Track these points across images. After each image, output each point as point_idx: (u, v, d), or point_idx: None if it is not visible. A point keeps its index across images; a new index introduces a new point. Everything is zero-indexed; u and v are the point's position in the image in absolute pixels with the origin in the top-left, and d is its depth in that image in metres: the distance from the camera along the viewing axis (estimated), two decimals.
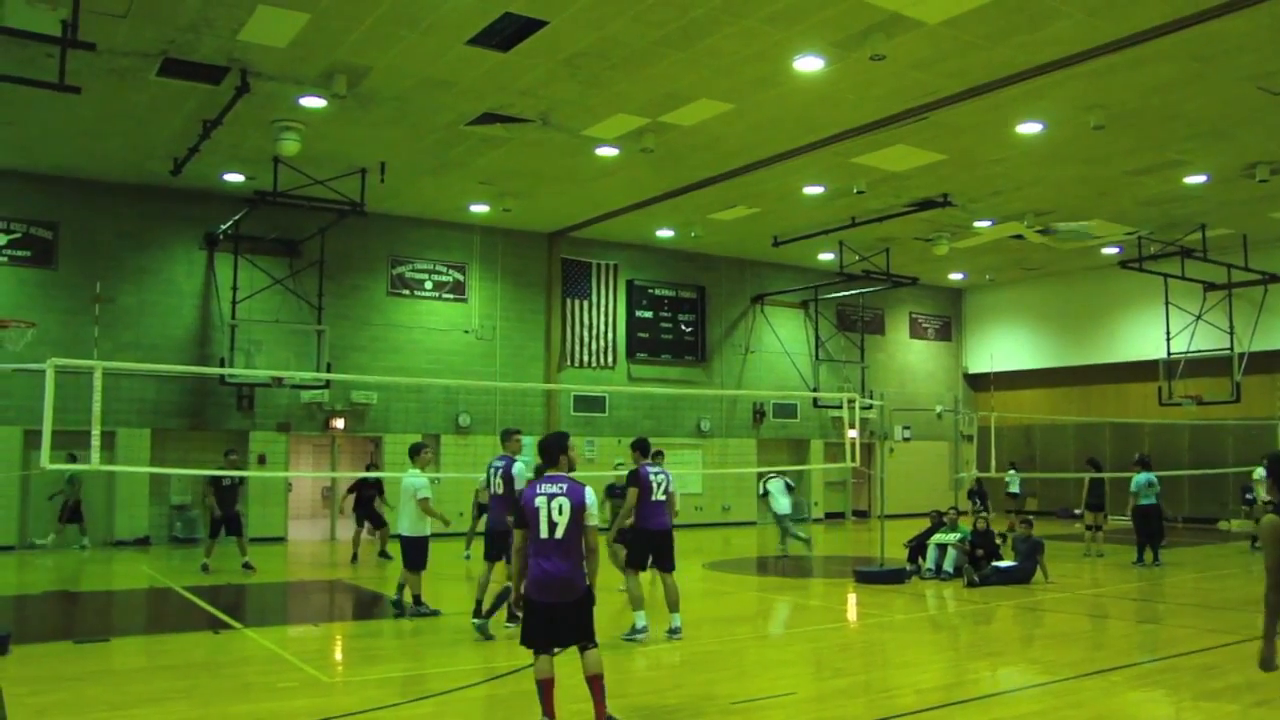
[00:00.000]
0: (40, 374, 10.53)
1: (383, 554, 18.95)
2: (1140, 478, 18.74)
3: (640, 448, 11.52)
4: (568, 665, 7.25)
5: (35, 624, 12.08)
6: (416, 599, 12.45)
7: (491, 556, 11.36)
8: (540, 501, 7.08)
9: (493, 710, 8.03)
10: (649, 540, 11.23)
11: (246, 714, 7.68)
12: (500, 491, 11.22)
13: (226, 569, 16.79)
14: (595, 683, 7.07)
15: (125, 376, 20.32)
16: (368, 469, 21.39)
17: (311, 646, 10.90)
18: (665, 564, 11.23)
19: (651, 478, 11.24)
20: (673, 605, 11.08)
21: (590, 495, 7.17)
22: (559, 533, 7.02)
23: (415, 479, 12.43)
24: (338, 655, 10.52)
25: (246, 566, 16.74)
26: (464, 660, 9.96)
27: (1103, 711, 7.99)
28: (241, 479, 17.70)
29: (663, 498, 11.33)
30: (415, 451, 12.76)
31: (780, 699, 8.51)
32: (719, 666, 10.00)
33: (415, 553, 12.37)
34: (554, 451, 7.40)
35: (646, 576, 11.62)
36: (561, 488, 7.13)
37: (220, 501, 16.93)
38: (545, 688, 6.97)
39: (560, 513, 7.04)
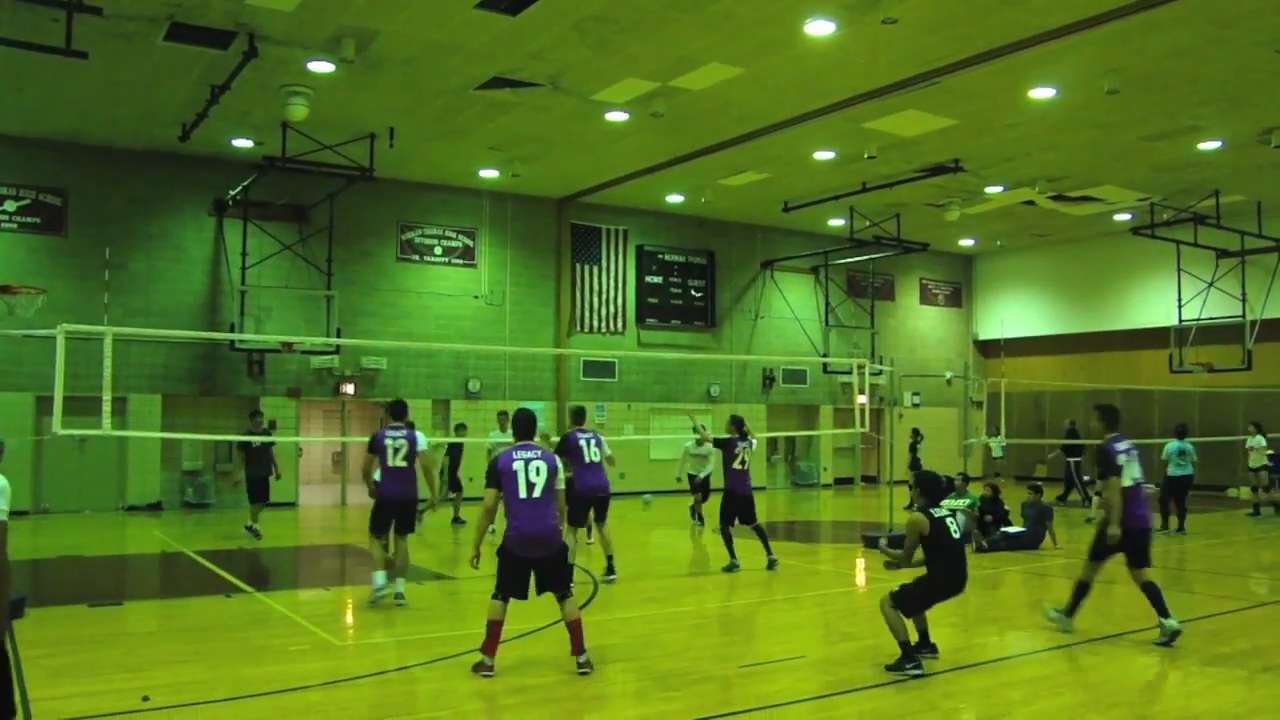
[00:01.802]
0: (51, 340, 10.57)
1: (456, 520, 19.08)
2: (1171, 446, 18.46)
3: (575, 416, 12.86)
4: (559, 648, 7.26)
5: (50, 588, 12.19)
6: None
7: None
8: (518, 465, 7.86)
9: (503, 674, 8.09)
10: (588, 499, 12.40)
11: (259, 676, 7.75)
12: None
13: (239, 533, 16.88)
14: (575, 626, 7.86)
15: (136, 342, 20.38)
16: (458, 430, 21.05)
17: (323, 610, 10.98)
18: (601, 519, 12.71)
19: (581, 441, 12.29)
20: (609, 553, 12.78)
21: (559, 460, 8.16)
22: (537, 492, 7.83)
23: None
24: (349, 619, 10.59)
25: (251, 530, 16.72)
26: (473, 624, 10.01)
27: (1109, 676, 8.01)
28: (271, 442, 17.59)
29: (596, 458, 12.31)
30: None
31: (789, 662, 8.56)
32: (728, 630, 10.05)
33: None
34: (530, 426, 8.28)
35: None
36: (536, 453, 7.99)
37: (248, 463, 16.91)
38: (494, 630, 7.75)
39: (538, 474, 7.86)
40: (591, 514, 12.66)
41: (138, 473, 21.17)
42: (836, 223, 27.37)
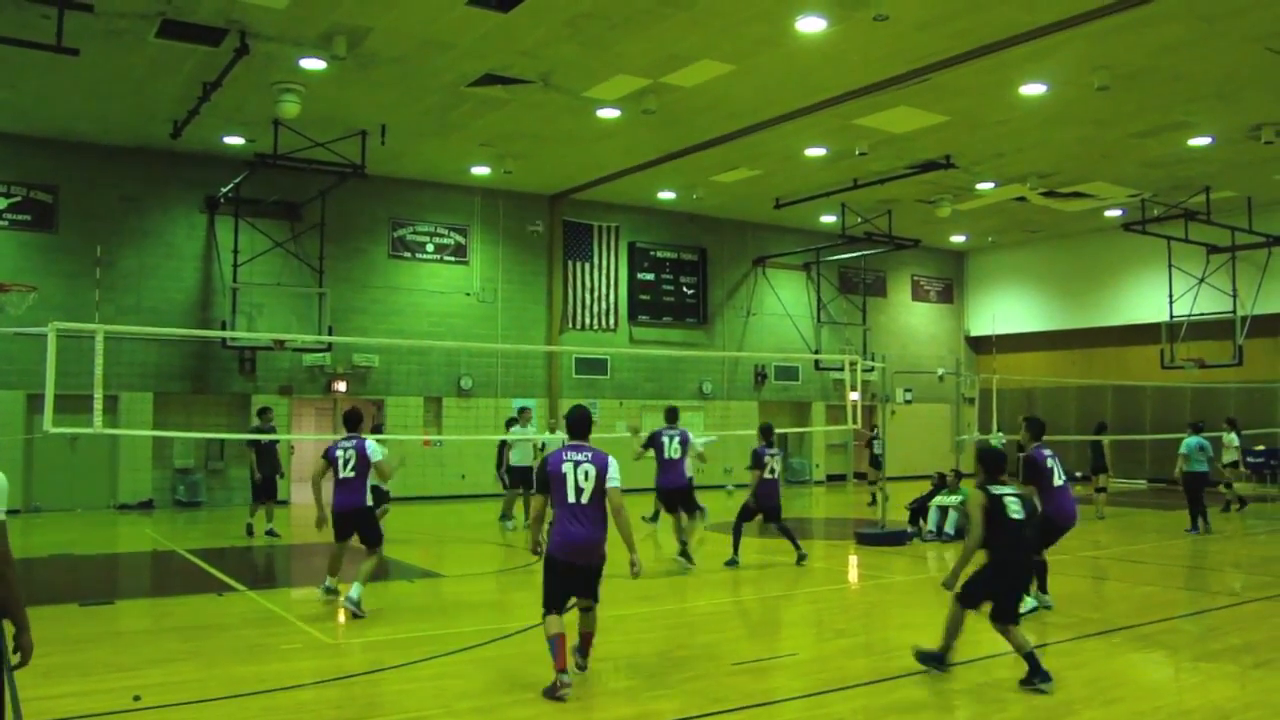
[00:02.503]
0: (42, 338, 10.55)
1: (504, 516, 18.50)
2: (1191, 441, 18.11)
3: (668, 415, 14.56)
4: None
5: (41, 587, 12.15)
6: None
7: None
8: (567, 467, 7.42)
9: (495, 671, 8.09)
10: (665, 494, 14.12)
11: (251, 675, 7.74)
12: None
13: (231, 532, 16.84)
14: (588, 638, 7.75)
15: (127, 340, 20.33)
16: (509, 425, 19.53)
17: (315, 609, 10.95)
18: (682, 511, 14.09)
19: (664, 439, 13.87)
20: (683, 539, 13.98)
21: (614, 462, 7.52)
22: (585, 497, 7.38)
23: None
24: (341, 617, 10.58)
25: (270, 533, 16.61)
26: (466, 622, 10.04)
27: (1103, 672, 8.03)
28: (276, 440, 17.32)
29: (676, 455, 13.83)
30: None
31: (782, 659, 8.57)
32: (721, 627, 10.06)
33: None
34: (584, 425, 7.78)
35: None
36: (587, 455, 7.49)
37: (259, 463, 16.66)
38: (559, 643, 7.16)
39: (586, 478, 7.39)
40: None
41: (129, 471, 21.11)
42: (828, 219, 27.39)
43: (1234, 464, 21.04)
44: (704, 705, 6.94)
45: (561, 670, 7.11)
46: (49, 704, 6.86)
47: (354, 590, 9.98)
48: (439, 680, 7.79)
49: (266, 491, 16.70)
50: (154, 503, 21.25)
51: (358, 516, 10.53)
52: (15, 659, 4.59)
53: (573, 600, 7.57)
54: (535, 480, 7.81)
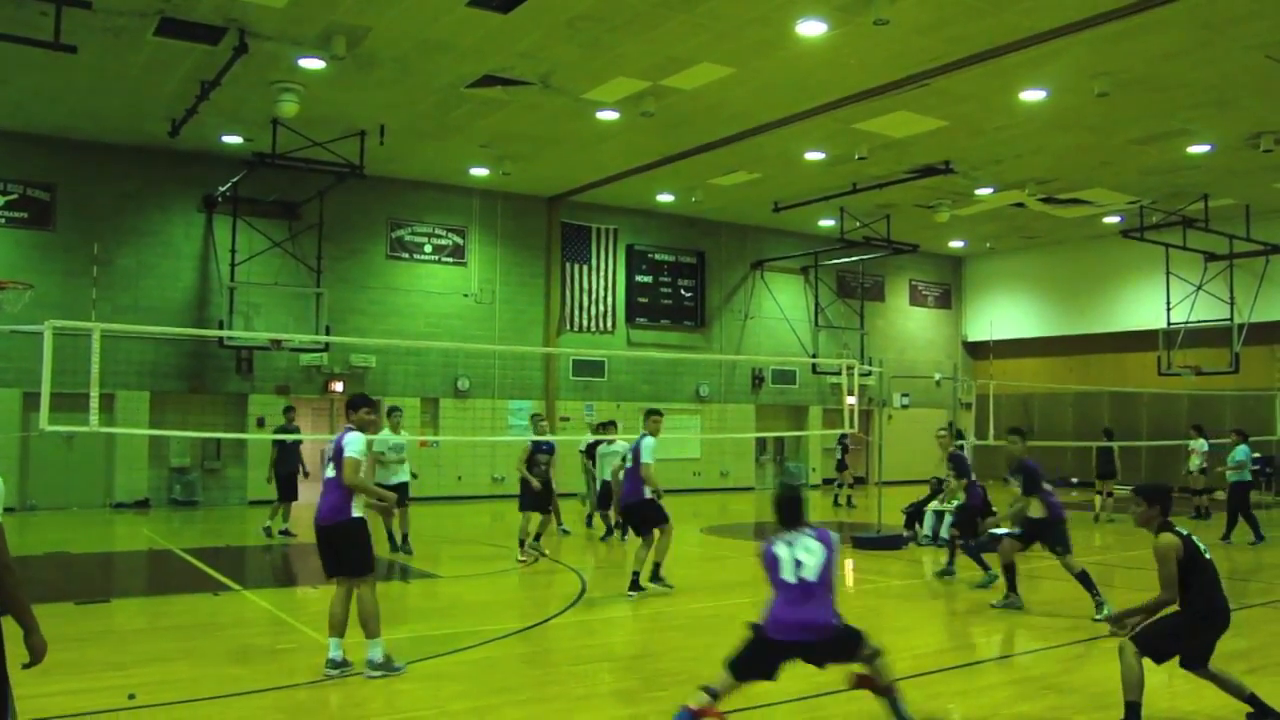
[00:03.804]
0: (39, 336, 10.51)
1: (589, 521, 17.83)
2: (1243, 451, 17.48)
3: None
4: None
5: (36, 585, 12.12)
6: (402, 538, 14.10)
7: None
8: (780, 549, 6.35)
9: (489, 673, 8.08)
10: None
11: (246, 675, 7.73)
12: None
13: (227, 531, 16.82)
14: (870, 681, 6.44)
15: (124, 339, 20.30)
16: (600, 429, 18.52)
17: (311, 608, 10.94)
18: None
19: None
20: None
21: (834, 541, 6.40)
22: (807, 573, 6.24)
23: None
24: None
25: (285, 533, 16.55)
26: (461, 623, 10.02)
27: (1097, 676, 8.03)
28: (299, 440, 17.18)
29: None
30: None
31: None
32: (715, 631, 10.03)
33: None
34: (795, 509, 6.53)
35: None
36: (806, 533, 6.38)
37: (281, 461, 16.55)
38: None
39: (808, 553, 6.28)
40: None
41: (125, 470, 21.09)
42: (827, 223, 27.40)
43: (1203, 470, 20.87)
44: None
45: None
46: (44, 702, 6.84)
47: (373, 651, 7.78)
48: (434, 681, 7.78)
49: (288, 492, 16.58)
50: (150, 502, 21.22)
51: (337, 535, 7.89)
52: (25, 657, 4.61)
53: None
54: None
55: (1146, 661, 6.54)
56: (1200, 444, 20.83)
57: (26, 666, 4.63)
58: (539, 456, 14.27)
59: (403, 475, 14.45)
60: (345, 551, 7.86)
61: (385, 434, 14.14)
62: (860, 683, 6.41)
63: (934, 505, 16.59)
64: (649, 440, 11.46)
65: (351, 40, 14.99)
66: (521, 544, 13.93)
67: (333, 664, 7.69)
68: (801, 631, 6.18)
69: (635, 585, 11.31)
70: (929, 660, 8.48)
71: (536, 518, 14.32)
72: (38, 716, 6.57)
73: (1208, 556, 6.66)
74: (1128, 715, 6.46)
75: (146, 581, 13.60)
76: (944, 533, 16.15)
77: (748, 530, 19.49)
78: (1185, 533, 6.69)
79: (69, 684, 7.40)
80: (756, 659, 6.27)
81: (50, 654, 8.01)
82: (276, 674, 7.78)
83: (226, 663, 8.14)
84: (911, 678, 7.83)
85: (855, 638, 6.27)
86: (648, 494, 11.45)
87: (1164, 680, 8.21)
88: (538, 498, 14.20)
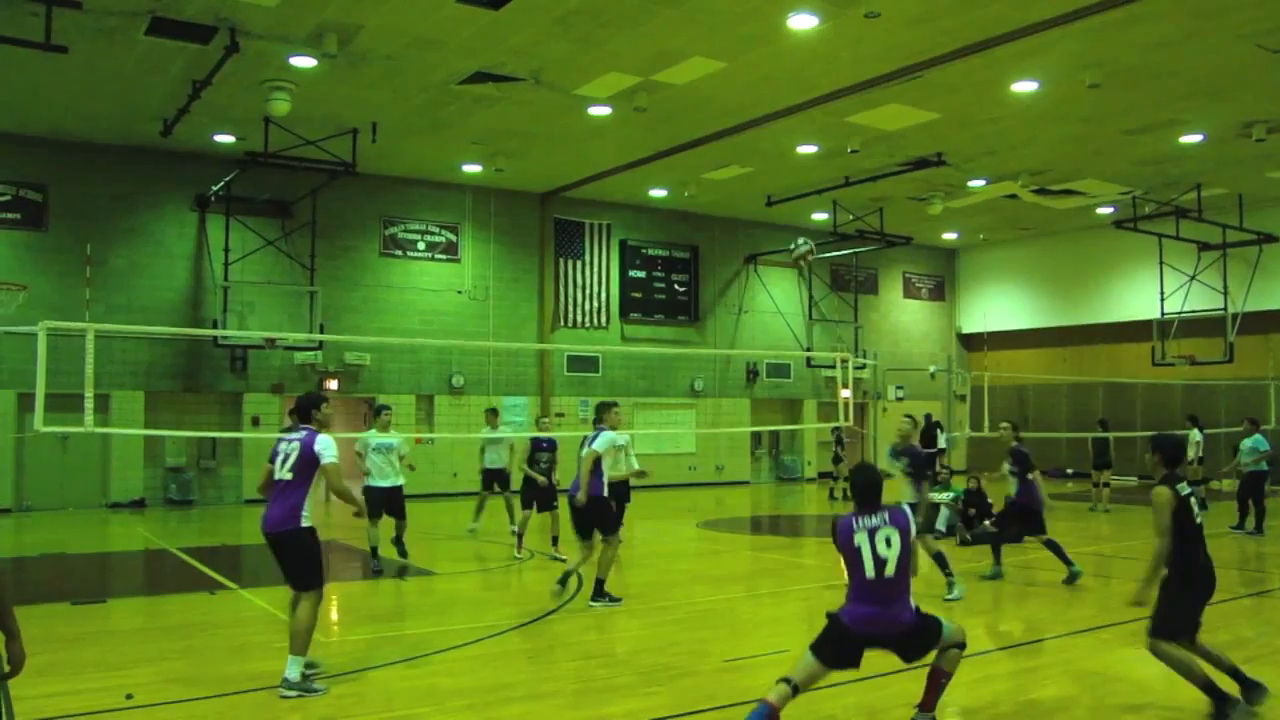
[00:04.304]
0: (32, 337, 10.53)
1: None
2: (1259, 440, 17.23)
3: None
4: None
5: (33, 586, 12.12)
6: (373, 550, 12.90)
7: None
8: (861, 539, 6.16)
9: (486, 669, 8.09)
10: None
11: (243, 674, 7.73)
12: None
13: (223, 530, 16.80)
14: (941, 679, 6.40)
15: (118, 339, 20.28)
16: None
17: None
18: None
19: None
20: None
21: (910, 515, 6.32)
22: (889, 570, 6.10)
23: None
24: (333, 615, 10.57)
25: None
26: (457, 620, 10.03)
27: (1092, 668, 8.06)
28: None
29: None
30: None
31: (773, 656, 8.57)
32: (712, 625, 10.06)
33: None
34: (874, 492, 6.35)
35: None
36: (884, 517, 6.21)
37: None
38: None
39: (889, 546, 6.13)
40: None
41: (121, 470, 21.07)
42: (820, 216, 27.38)
43: (1199, 460, 20.87)
44: (696, 702, 6.95)
45: None
46: (41, 703, 6.84)
47: (293, 669, 7.25)
48: (430, 678, 7.79)
49: None
50: (146, 501, 21.20)
51: (290, 542, 7.49)
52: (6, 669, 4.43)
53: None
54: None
55: (1132, 658, 6.56)
56: (1194, 434, 20.84)
57: (5, 678, 4.44)
58: (539, 455, 14.15)
59: (394, 479, 13.03)
60: (294, 561, 7.52)
61: (370, 433, 13.35)
62: (932, 676, 6.36)
63: (932, 497, 16.59)
64: (607, 434, 10.83)
65: (343, 38, 14.96)
66: (519, 538, 13.89)
67: (290, 684, 7.22)
68: (884, 627, 6.14)
69: (599, 593, 10.58)
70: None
71: (534, 514, 14.12)
72: (36, 717, 6.57)
73: (1198, 521, 6.75)
74: (1209, 695, 6.58)
75: (143, 581, 13.60)
76: (940, 524, 16.20)
77: (744, 524, 19.51)
78: (1185, 492, 6.73)
79: (66, 684, 7.41)
80: (841, 649, 6.21)
81: (48, 654, 8.04)
82: (274, 673, 7.77)
83: (223, 662, 8.14)
84: (904, 671, 7.83)
85: (936, 626, 6.26)
86: (605, 490, 10.78)
87: (1164, 671, 8.23)
88: (540, 495, 14.04)
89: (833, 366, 28.21)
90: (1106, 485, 20.19)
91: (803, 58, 15.73)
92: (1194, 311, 26.30)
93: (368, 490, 12.68)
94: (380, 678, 7.80)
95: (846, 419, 17.17)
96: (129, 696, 6.98)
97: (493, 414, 16.44)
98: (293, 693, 7.14)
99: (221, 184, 20.61)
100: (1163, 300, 26.58)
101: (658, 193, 25.88)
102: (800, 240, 18.34)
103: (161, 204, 21.65)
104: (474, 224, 25.16)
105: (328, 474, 7.47)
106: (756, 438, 29.54)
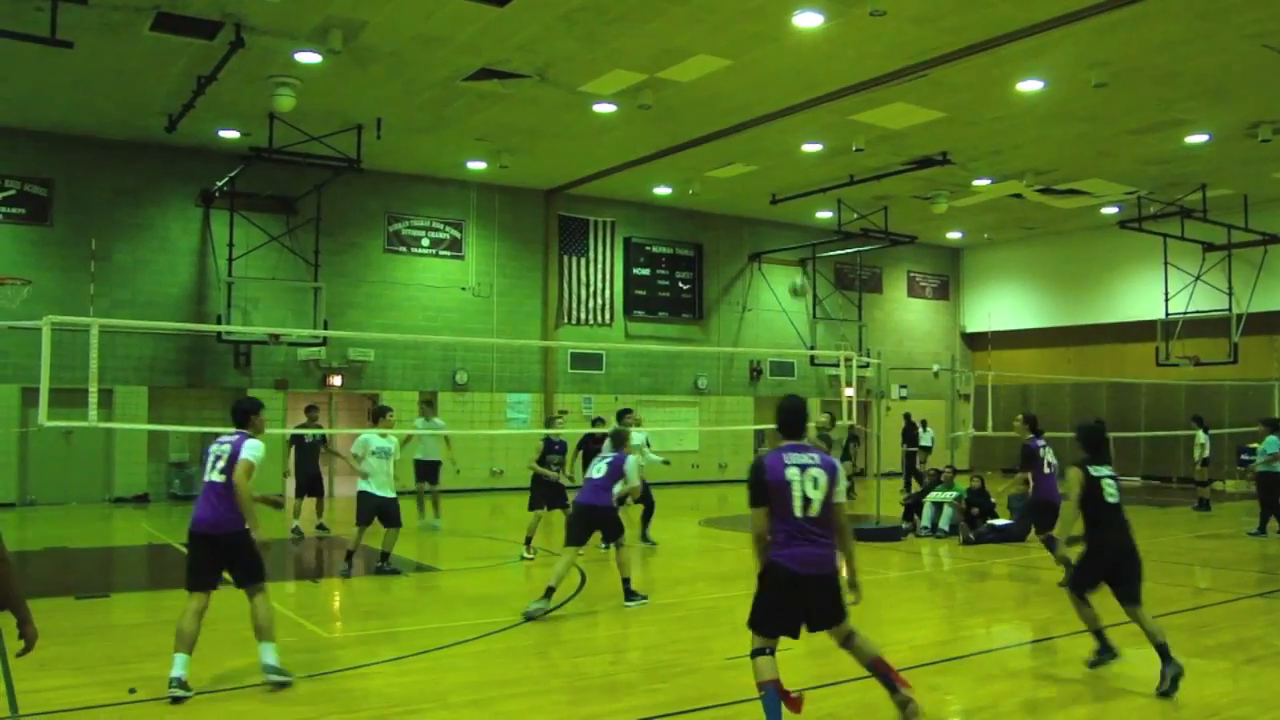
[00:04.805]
0: (37, 332, 10.52)
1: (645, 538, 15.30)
2: (1272, 443, 16.90)
3: (1029, 422, 13.29)
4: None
5: (36, 580, 12.13)
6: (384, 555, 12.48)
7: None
8: (792, 474, 6.03)
9: (490, 665, 8.09)
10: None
11: (246, 668, 7.73)
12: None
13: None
14: (882, 665, 6.34)
15: (122, 334, 20.29)
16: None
17: (310, 602, 10.96)
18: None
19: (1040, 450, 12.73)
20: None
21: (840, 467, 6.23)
22: (814, 509, 6.02)
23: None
24: (336, 610, 10.58)
25: (320, 528, 16.49)
26: (461, 616, 10.03)
27: (1096, 669, 8.04)
28: (322, 437, 16.68)
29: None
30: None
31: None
32: (714, 623, 10.06)
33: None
34: (799, 419, 6.31)
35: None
36: (813, 458, 6.13)
37: (301, 460, 16.25)
38: (775, 692, 5.96)
39: (815, 486, 6.04)
40: None
41: (124, 465, 21.10)
42: (824, 215, 27.39)
43: (1205, 461, 20.81)
44: (698, 699, 6.95)
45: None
46: (45, 696, 6.86)
47: (266, 653, 7.38)
48: (433, 674, 7.80)
49: (311, 488, 16.37)
50: (149, 496, 21.22)
51: (238, 542, 7.50)
52: (20, 645, 4.70)
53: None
54: (751, 490, 6.14)
55: (1134, 658, 6.67)
56: (1200, 436, 20.75)
57: (20, 654, 4.74)
58: (551, 456, 14.10)
59: (391, 490, 12.45)
60: (242, 559, 7.52)
61: (368, 434, 12.58)
62: (874, 667, 6.30)
63: (933, 496, 16.61)
64: (632, 461, 10.94)
65: (348, 34, 14.97)
66: (528, 542, 13.80)
67: (178, 683, 6.91)
68: (818, 566, 6.04)
69: (630, 594, 10.57)
70: (928, 652, 8.50)
71: (541, 513, 13.94)
72: (39, 710, 6.59)
73: (1111, 501, 7.75)
74: (1097, 640, 7.80)
75: (146, 576, 13.61)
76: (943, 523, 16.21)
77: (746, 523, 19.49)
78: (1098, 474, 7.76)
79: (70, 679, 7.42)
80: (783, 599, 6.06)
81: (51, 648, 8.05)
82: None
83: (227, 656, 8.14)
84: (912, 669, 7.84)
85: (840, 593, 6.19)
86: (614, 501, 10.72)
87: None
88: (551, 494, 13.92)
89: (836, 365, 28.20)
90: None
91: (808, 56, 15.72)
92: (1198, 312, 26.25)
93: (364, 496, 12.20)
94: (384, 673, 7.81)
95: (850, 418, 17.13)
96: (132, 691, 6.99)
97: (428, 405, 16.53)
98: (279, 676, 7.26)
99: (226, 179, 20.62)
100: (1167, 301, 26.53)
101: (662, 190, 25.87)
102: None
103: (166, 199, 21.67)
104: (478, 221, 25.16)
105: (238, 470, 7.44)
106: (760, 436, 29.51)
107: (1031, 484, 12.45)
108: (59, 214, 20.53)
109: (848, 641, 6.23)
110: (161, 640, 8.72)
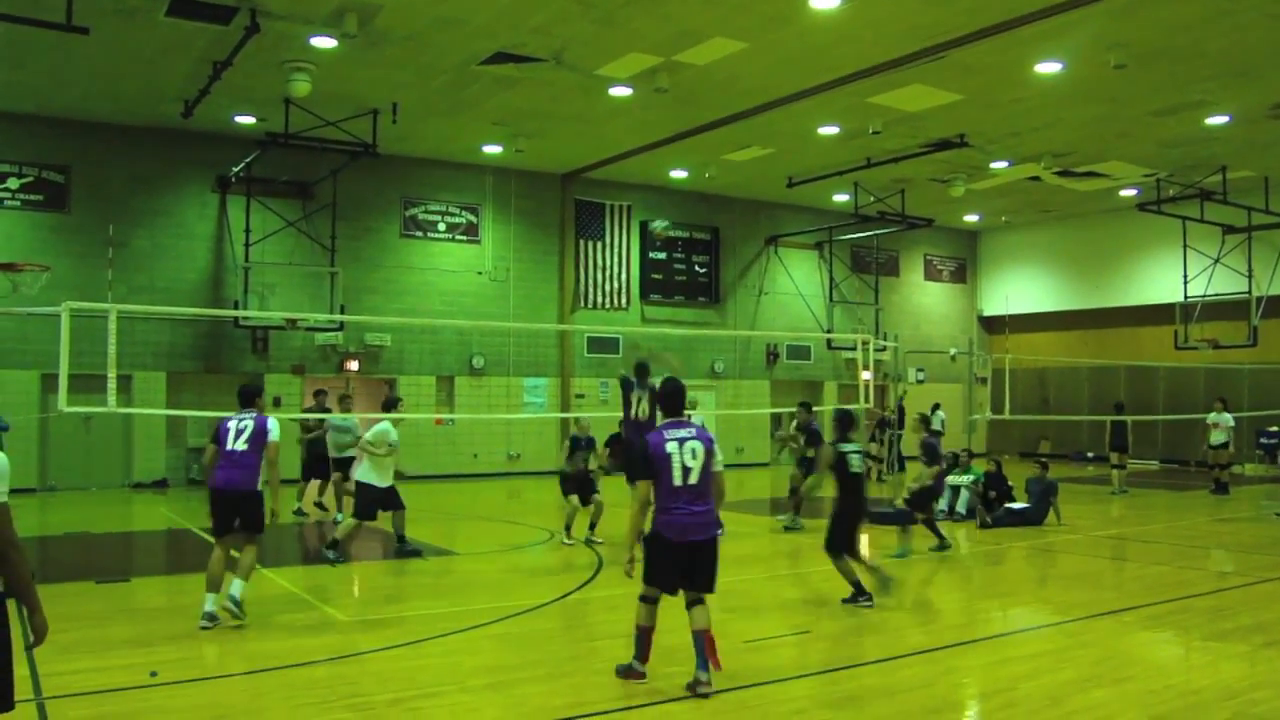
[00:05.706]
0: (56, 318, 10.58)
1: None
2: None
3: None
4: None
5: (57, 564, 12.24)
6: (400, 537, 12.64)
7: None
8: (671, 447, 6.84)
9: (507, 648, 8.12)
10: None
11: (265, 652, 7.79)
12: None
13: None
14: (707, 637, 6.98)
15: (140, 320, 20.38)
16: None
17: (328, 586, 11.01)
18: None
19: None
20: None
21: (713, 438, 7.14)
22: (693, 478, 6.85)
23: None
24: (355, 594, 10.63)
25: (319, 506, 16.79)
26: (479, 599, 10.07)
27: (1112, 651, 8.04)
28: (320, 421, 16.44)
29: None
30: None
31: (794, 637, 8.59)
32: (732, 605, 10.07)
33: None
34: (679, 399, 7.23)
35: None
36: (690, 431, 6.95)
37: (309, 442, 16.27)
38: (646, 638, 7.11)
39: (694, 457, 6.86)
40: None
41: (143, 450, 21.23)
42: (841, 198, 27.29)
43: (1224, 445, 20.63)
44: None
45: (642, 661, 7.08)
46: (67, 679, 6.91)
47: (235, 588, 8.68)
48: (452, 656, 7.84)
49: (320, 470, 16.38)
50: (168, 481, 21.35)
51: (252, 499, 8.98)
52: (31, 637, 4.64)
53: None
54: (638, 465, 7.00)
55: (1151, 642, 6.58)
56: (1225, 418, 20.59)
57: (31, 648, 4.70)
58: (578, 454, 14.21)
59: (387, 480, 12.29)
60: (252, 514, 8.97)
61: (386, 425, 12.41)
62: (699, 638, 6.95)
63: (950, 480, 16.57)
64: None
65: (363, 18, 14.95)
66: (567, 529, 13.74)
67: (208, 616, 8.53)
68: (696, 529, 6.90)
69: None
70: (945, 634, 8.50)
71: (575, 500, 13.91)
72: (62, 693, 6.65)
73: (854, 471, 9.90)
74: (854, 589, 9.55)
75: (166, 560, 13.69)
76: (960, 507, 16.19)
77: (763, 506, 19.50)
78: (845, 450, 9.97)
79: (91, 661, 7.48)
80: (664, 559, 6.93)
81: (72, 632, 8.12)
82: (296, 651, 7.84)
83: (246, 640, 8.20)
84: (924, 653, 7.84)
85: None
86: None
87: (1182, 654, 8.21)
88: (581, 486, 13.89)
89: (853, 348, 28.13)
90: (1121, 467, 20.00)
91: (824, 38, 15.63)
92: (1217, 295, 26.08)
93: (366, 488, 12.08)
94: (402, 656, 7.84)
95: (867, 400, 17.09)
96: (153, 674, 7.04)
97: (345, 399, 16.57)
98: (237, 610, 8.56)
99: (242, 165, 20.66)
100: (1186, 283, 26.36)
101: (679, 174, 25.81)
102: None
103: (182, 185, 21.73)
104: (494, 205, 25.15)
105: (270, 450, 8.99)
106: (776, 420, 29.49)
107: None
108: (76, 200, 20.61)
109: (692, 604, 7.05)
110: (181, 624, 8.80)
